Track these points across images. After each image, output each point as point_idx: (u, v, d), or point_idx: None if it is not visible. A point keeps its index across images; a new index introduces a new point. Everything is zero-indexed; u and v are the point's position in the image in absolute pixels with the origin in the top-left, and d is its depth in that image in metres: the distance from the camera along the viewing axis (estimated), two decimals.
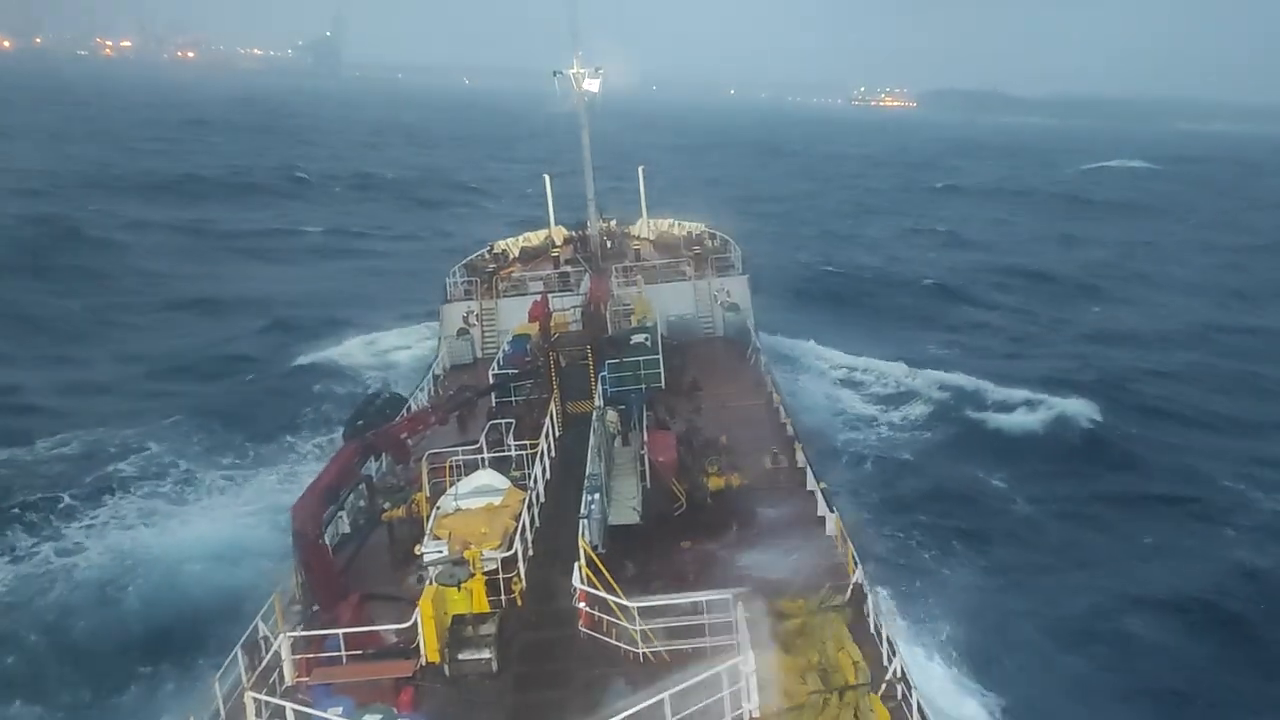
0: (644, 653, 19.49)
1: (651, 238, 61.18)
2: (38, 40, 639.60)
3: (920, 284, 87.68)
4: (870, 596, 21.05)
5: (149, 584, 32.84)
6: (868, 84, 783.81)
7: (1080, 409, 50.99)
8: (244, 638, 19.80)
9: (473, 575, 20.79)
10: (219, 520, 37.62)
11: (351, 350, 60.47)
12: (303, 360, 58.61)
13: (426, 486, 26.65)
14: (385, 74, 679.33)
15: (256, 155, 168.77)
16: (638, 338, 36.00)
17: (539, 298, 44.63)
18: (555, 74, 49.94)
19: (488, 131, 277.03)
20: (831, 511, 25.49)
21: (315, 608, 21.97)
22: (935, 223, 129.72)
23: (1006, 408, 51.95)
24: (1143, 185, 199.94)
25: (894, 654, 19.10)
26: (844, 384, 56.11)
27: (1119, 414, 51.83)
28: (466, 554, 21.47)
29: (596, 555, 21.55)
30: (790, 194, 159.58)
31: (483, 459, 27.60)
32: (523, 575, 22.43)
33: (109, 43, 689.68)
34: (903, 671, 18.60)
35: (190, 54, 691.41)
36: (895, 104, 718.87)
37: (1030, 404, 51.93)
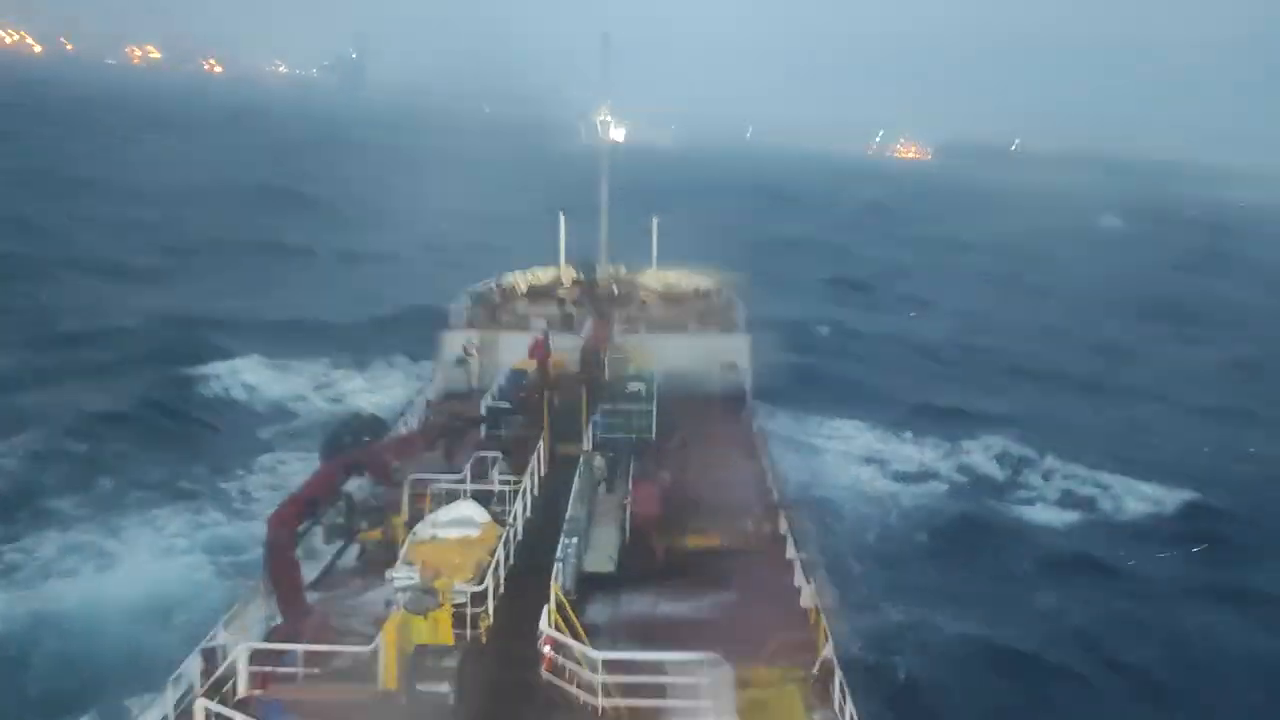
0: (603, 706, 19.18)
1: (658, 288, 61.42)
2: (69, 46, 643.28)
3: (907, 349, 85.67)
4: (838, 673, 20.75)
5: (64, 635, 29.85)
6: (885, 132, 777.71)
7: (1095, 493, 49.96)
8: (202, 642, 19.43)
9: (440, 606, 20.51)
10: (150, 562, 35.03)
11: (297, 384, 57.30)
12: (229, 386, 54.97)
13: (406, 511, 26.44)
14: (407, 98, 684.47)
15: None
16: (633, 386, 36.04)
17: (540, 335, 44.69)
18: (580, 117, 50.53)
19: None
20: (808, 583, 25.27)
21: (277, 620, 21.65)
22: (920, 281, 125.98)
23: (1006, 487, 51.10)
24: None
25: None
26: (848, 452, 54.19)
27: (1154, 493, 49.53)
28: (437, 583, 21.20)
29: (567, 600, 21.33)
30: (796, 238, 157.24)
31: (465, 490, 27.40)
32: (491, 612, 22.16)
33: (138, 51, 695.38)
34: None
35: (218, 67, 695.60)
36: (910, 155, 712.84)
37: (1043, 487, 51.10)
